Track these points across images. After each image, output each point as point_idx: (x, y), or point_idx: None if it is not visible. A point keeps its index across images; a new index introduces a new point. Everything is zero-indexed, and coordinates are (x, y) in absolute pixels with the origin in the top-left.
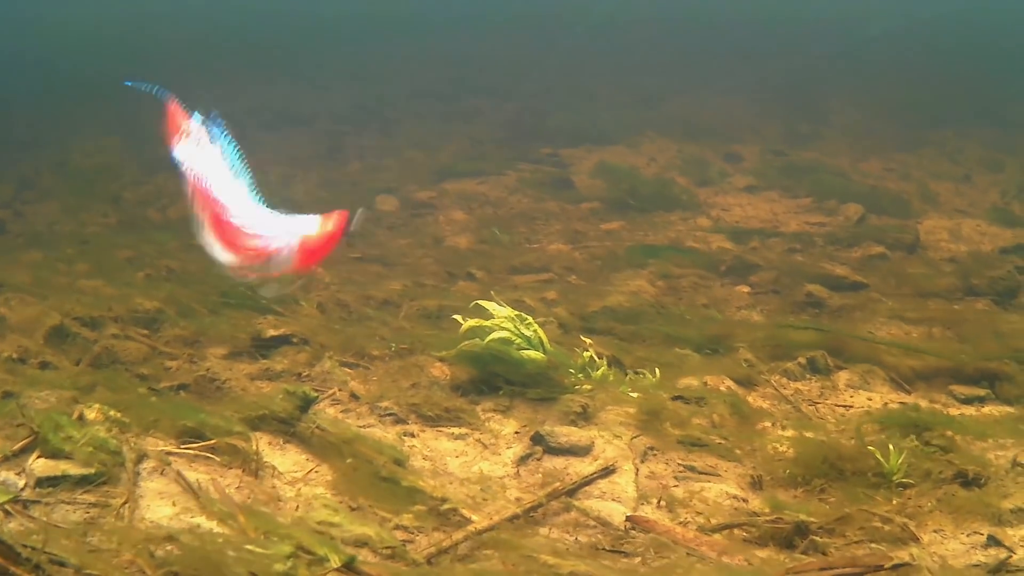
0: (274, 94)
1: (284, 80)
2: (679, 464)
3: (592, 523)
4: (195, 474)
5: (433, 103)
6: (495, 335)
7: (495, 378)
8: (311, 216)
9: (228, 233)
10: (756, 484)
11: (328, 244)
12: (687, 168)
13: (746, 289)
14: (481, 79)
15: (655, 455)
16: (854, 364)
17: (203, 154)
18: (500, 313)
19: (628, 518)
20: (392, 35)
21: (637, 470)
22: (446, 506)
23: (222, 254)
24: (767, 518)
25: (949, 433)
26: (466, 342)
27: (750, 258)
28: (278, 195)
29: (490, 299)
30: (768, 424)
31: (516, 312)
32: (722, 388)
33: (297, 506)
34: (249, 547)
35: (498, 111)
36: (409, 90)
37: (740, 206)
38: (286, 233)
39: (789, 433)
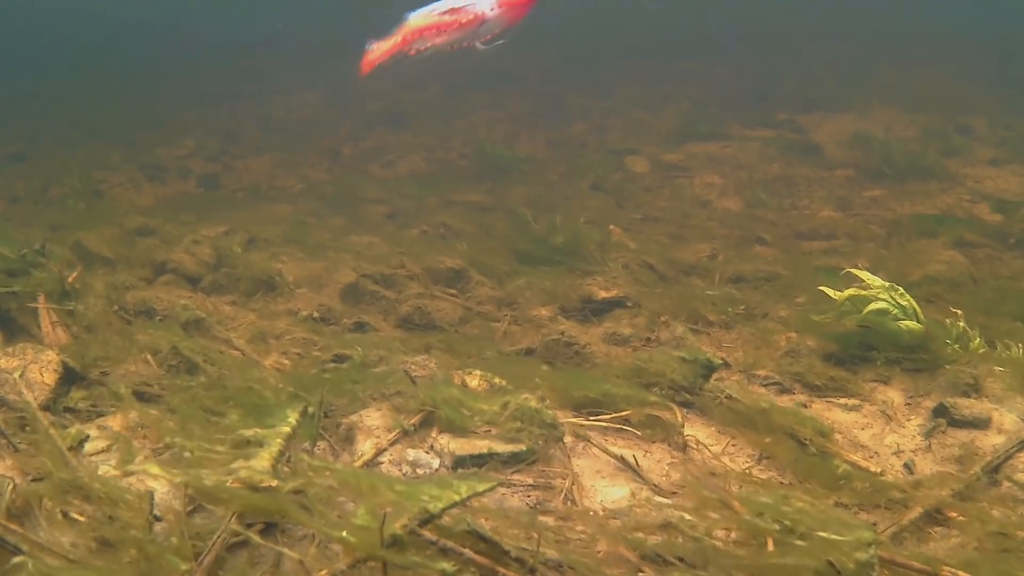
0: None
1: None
2: None
3: None
4: (616, 448)
5: (643, 63)
6: (874, 306)
7: (866, 348)
8: None
9: (445, 25)
10: None
11: (524, 5)
12: (927, 138)
13: None
14: (686, 42)
15: None
16: None
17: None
18: (875, 283)
19: None
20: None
21: None
22: (884, 480)
23: (446, 42)
24: None
25: None
26: (834, 312)
27: None
28: (495, 150)
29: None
30: None
31: (888, 282)
32: None
33: (740, 485)
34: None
35: (709, 73)
36: (617, 49)
37: (991, 178)
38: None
39: None
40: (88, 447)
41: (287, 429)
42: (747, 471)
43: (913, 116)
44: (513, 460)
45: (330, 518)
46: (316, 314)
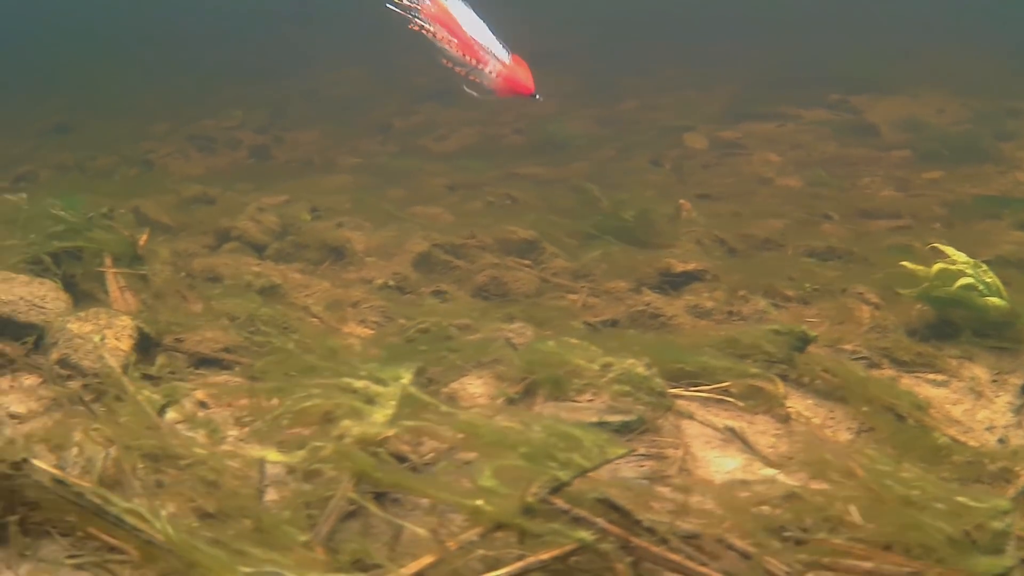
0: (520, 31)
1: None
2: None
3: None
4: (718, 419)
5: (685, 44)
6: (962, 281)
7: (949, 325)
8: (509, 54)
9: (459, 37)
10: None
11: (518, 89)
12: (980, 121)
13: None
14: (723, 23)
15: None
16: None
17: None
18: (960, 259)
19: None
20: None
21: None
22: (984, 458)
23: (449, 50)
24: None
25: None
26: (925, 285)
27: None
28: (550, 125)
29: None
30: None
31: (973, 259)
32: None
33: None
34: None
35: (750, 54)
36: (659, 31)
37: None
38: (498, 56)
39: None
40: (171, 415)
41: (398, 389)
42: (851, 443)
43: (963, 99)
44: (624, 429)
45: (453, 485)
46: (391, 282)
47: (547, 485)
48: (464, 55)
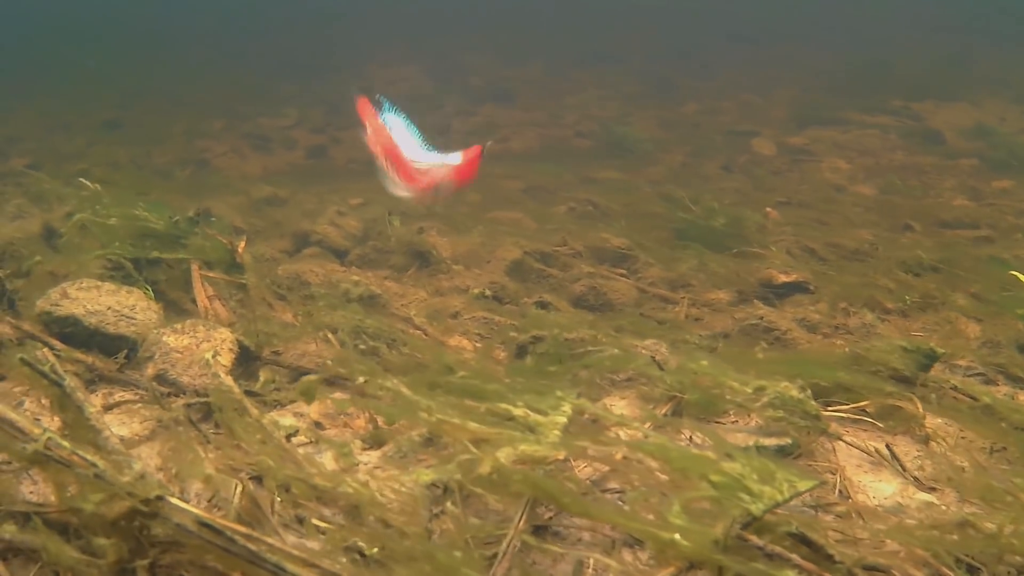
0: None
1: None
2: None
3: None
4: (866, 441)
5: (741, 47)
6: None
7: None
8: (455, 152)
9: (407, 173)
10: None
11: (472, 166)
12: None
13: None
14: (781, 27)
15: None
16: None
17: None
18: None
19: None
20: None
21: None
22: None
23: (404, 190)
24: None
25: None
26: None
27: None
28: (617, 128)
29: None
30: None
31: None
32: None
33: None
34: None
35: (809, 59)
36: (720, 34)
37: None
38: (443, 166)
39: None
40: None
41: (562, 419)
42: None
43: (1023, 108)
44: (779, 454)
45: (639, 515)
46: (488, 292)
47: (740, 520)
48: (410, 180)
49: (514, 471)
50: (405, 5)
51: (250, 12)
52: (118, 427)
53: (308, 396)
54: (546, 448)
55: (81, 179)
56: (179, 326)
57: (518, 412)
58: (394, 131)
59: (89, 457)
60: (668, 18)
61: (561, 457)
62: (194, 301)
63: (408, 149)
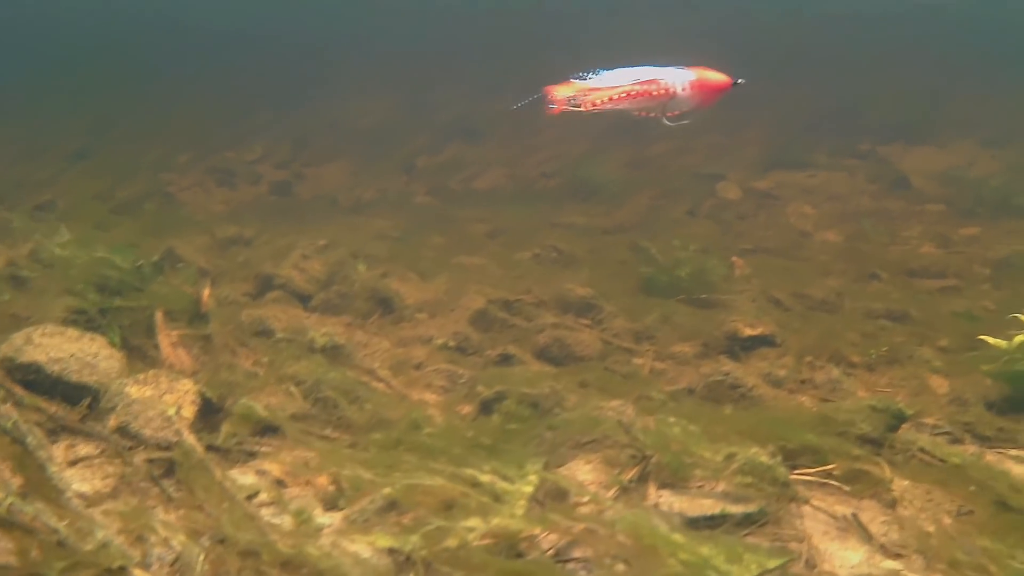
0: (545, 68)
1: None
2: None
3: None
4: (833, 506)
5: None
6: None
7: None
8: (693, 69)
9: (636, 94)
10: None
11: (719, 88)
12: (1012, 174)
13: None
14: (748, 67)
15: None
16: None
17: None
18: None
19: None
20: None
21: None
22: None
23: (630, 107)
24: None
25: None
26: (1006, 359)
27: None
28: (584, 169)
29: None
30: None
31: None
32: None
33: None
34: None
35: (778, 98)
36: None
37: None
38: (681, 78)
39: None
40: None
41: (529, 488)
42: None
43: (992, 151)
44: (746, 521)
45: None
46: (452, 342)
47: None
48: (648, 102)
49: (480, 551)
50: (385, 39)
51: (225, 42)
52: (80, 483)
53: (260, 484)
54: (518, 522)
55: (45, 213)
56: (142, 376)
57: (485, 478)
58: (611, 77)
59: (52, 523)
60: (638, 55)
61: (535, 532)
62: (158, 347)
63: (633, 75)
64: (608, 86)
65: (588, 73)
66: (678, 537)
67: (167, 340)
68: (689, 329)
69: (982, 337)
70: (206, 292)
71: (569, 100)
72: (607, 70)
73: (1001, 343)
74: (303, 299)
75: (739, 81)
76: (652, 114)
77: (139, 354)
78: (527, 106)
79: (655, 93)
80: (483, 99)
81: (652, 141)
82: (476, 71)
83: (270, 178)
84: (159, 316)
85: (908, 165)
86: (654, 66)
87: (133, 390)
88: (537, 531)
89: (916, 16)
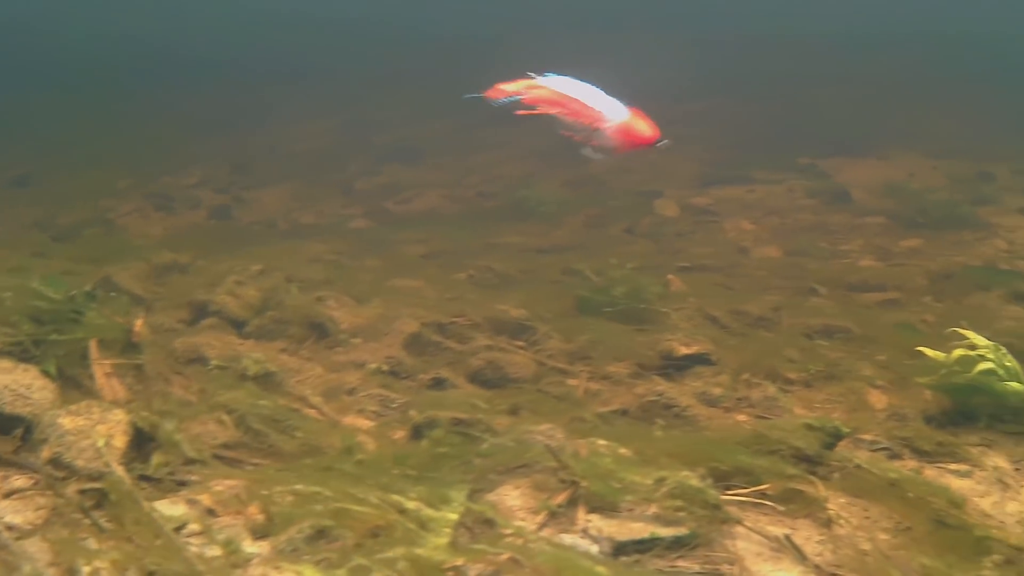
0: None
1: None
2: None
3: None
4: (766, 527)
5: (652, 104)
6: (982, 366)
7: (964, 411)
8: (625, 107)
9: (567, 107)
10: None
11: (641, 141)
12: (954, 186)
13: None
14: (692, 83)
15: None
16: None
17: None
18: (981, 342)
19: None
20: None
21: None
22: None
23: (562, 120)
24: None
25: None
26: (944, 372)
27: None
28: (521, 189)
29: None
30: None
31: (993, 343)
32: None
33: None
34: None
35: (716, 116)
36: (625, 91)
37: (1023, 228)
38: (613, 112)
39: None
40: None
41: (454, 516)
42: (898, 545)
43: (933, 163)
44: (676, 545)
45: None
46: (385, 367)
47: None
48: (577, 121)
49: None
50: (321, 62)
51: (162, 66)
52: (12, 515)
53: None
54: (441, 553)
55: None
56: (74, 407)
57: (411, 505)
58: (559, 84)
59: None
60: (574, 73)
61: (458, 563)
62: (92, 377)
63: (577, 93)
64: (550, 88)
65: (538, 75)
66: (601, 570)
67: (101, 370)
68: (624, 349)
69: (921, 349)
70: (139, 322)
71: (513, 94)
72: (557, 74)
73: (940, 355)
74: (238, 325)
75: (664, 141)
76: (577, 137)
77: (74, 384)
78: (476, 99)
79: (585, 116)
80: (421, 121)
81: (589, 160)
82: (413, 94)
83: (209, 203)
84: (93, 346)
85: (848, 178)
86: (601, 91)
87: (66, 421)
88: (460, 562)
89: (857, 38)
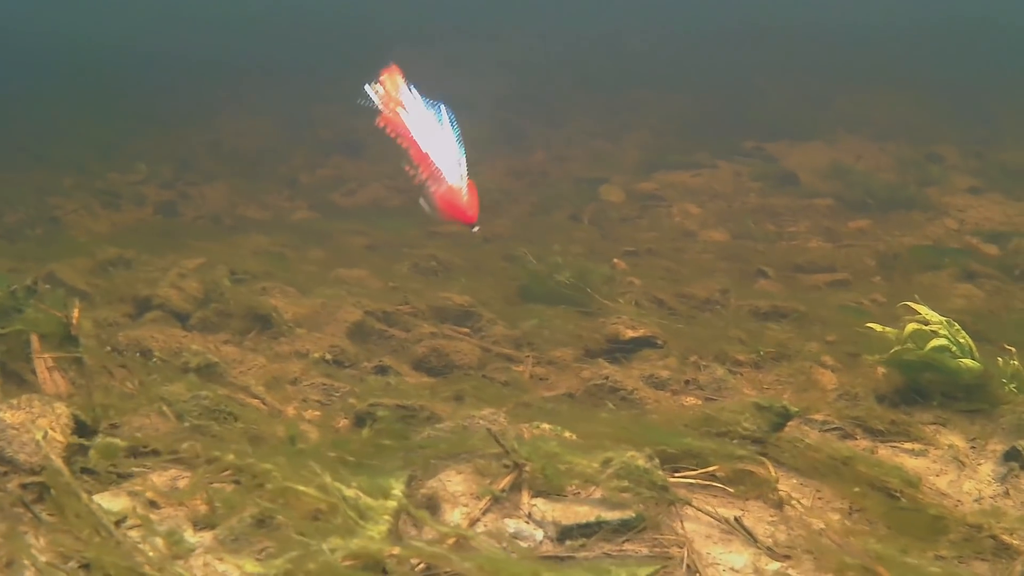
0: (425, 80)
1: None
2: None
3: None
4: (715, 509)
5: (594, 93)
6: (935, 342)
7: (917, 389)
8: (464, 176)
9: (418, 149)
10: None
11: (458, 216)
12: (902, 168)
13: None
14: (636, 72)
15: None
16: None
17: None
18: (934, 319)
19: None
20: (527, 24)
21: None
22: (983, 534)
23: (409, 156)
24: None
25: None
26: (896, 348)
27: None
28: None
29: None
30: None
31: (946, 318)
32: None
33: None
34: None
35: (662, 103)
36: (566, 78)
37: (973, 207)
38: (449, 177)
39: None
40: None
41: (393, 504)
42: (852, 528)
43: (881, 145)
44: (623, 528)
45: None
46: (328, 356)
47: None
48: (420, 167)
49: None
50: (261, 57)
51: (102, 60)
52: None
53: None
54: (378, 544)
55: None
56: (15, 401)
57: (349, 493)
58: (419, 123)
59: None
60: (519, 66)
61: (395, 552)
62: (35, 372)
63: (429, 142)
64: (411, 124)
65: (410, 86)
66: (540, 568)
67: (43, 364)
68: (569, 334)
69: (869, 324)
70: (75, 313)
71: (386, 116)
72: (426, 99)
73: (891, 331)
74: (182, 318)
75: (476, 228)
76: (415, 179)
77: (16, 379)
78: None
79: (426, 168)
80: (364, 114)
81: (532, 149)
82: (356, 86)
83: (155, 199)
84: (35, 339)
85: (795, 161)
86: (458, 144)
87: (7, 415)
88: (396, 550)
89: (801, 29)
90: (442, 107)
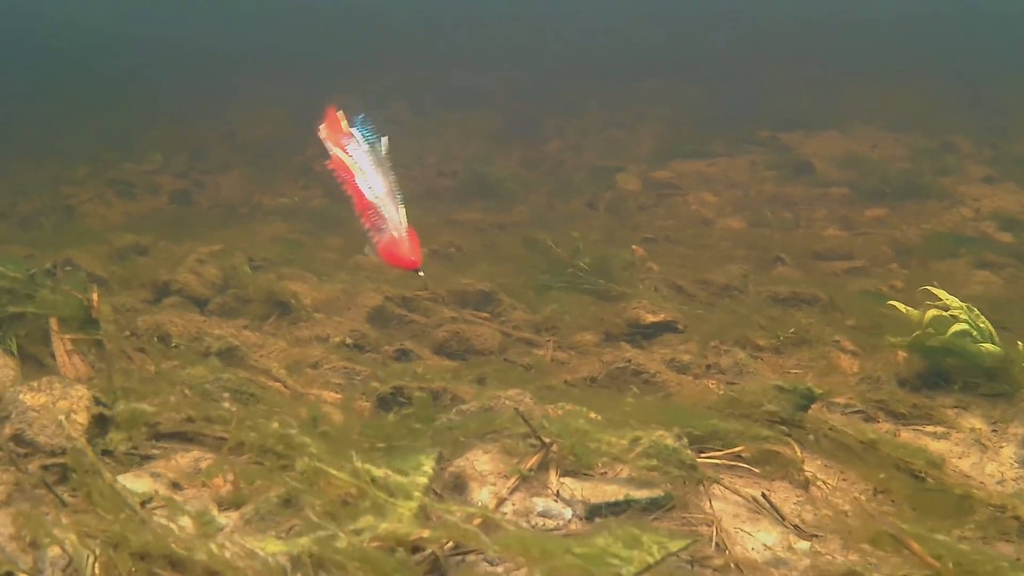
0: (440, 71)
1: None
2: None
3: None
4: (742, 489)
5: (608, 83)
6: (956, 327)
7: (938, 373)
8: (403, 226)
9: (362, 197)
10: None
11: (400, 263)
12: (917, 157)
13: None
14: (649, 63)
15: None
16: None
17: (356, 148)
18: (954, 304)
19: None
20: (536, 17)
21: None
22: (1007, 514)
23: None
24: None
25: None
26: (917, 333)
27: None
28: (480, 168)
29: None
30: None
31: (966, 303)
32: None
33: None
34: None
35: (677, 93)
36: (581, 71)
37: (987, 197)
38: (390, 225)
39: None
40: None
41: (423, 480)
42: (877, 509)
43: (896, 135)
44: (652, 507)
45: None
46: (349, 340)
47: None
48: (363, 214)
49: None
50: (274, 48)
51: (117, 52)
52: None
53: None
54: (407, 526)
55: None
56: (36, 384)
57: (379, 473)
58: (363, 171)
59: None
60: (530, 55)
61: (424, 535)
62: (54, 356)
63: (372, 191)
64: (355, 171)
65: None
66: (571, 544)
67: (62, 347)
68: (590, 318)
69: (892, 303)
70: (95, 297)
71: (326, 140)
72: (369, 133)
73: (913, 312)
74: (200, 304)
75: (420, 273)
76: (363, 223)
77: (35, 362)
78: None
79: (368, 215)
80: (379, 103)
81: (548, 139)
82: (371, 76)
83: (169, 188)
84: (54, 323)
85: (810, 150)
86: (398, 195)
87: (27, 397)
88: (426, 533)
89: (814, 20)
90: (383, 142)
